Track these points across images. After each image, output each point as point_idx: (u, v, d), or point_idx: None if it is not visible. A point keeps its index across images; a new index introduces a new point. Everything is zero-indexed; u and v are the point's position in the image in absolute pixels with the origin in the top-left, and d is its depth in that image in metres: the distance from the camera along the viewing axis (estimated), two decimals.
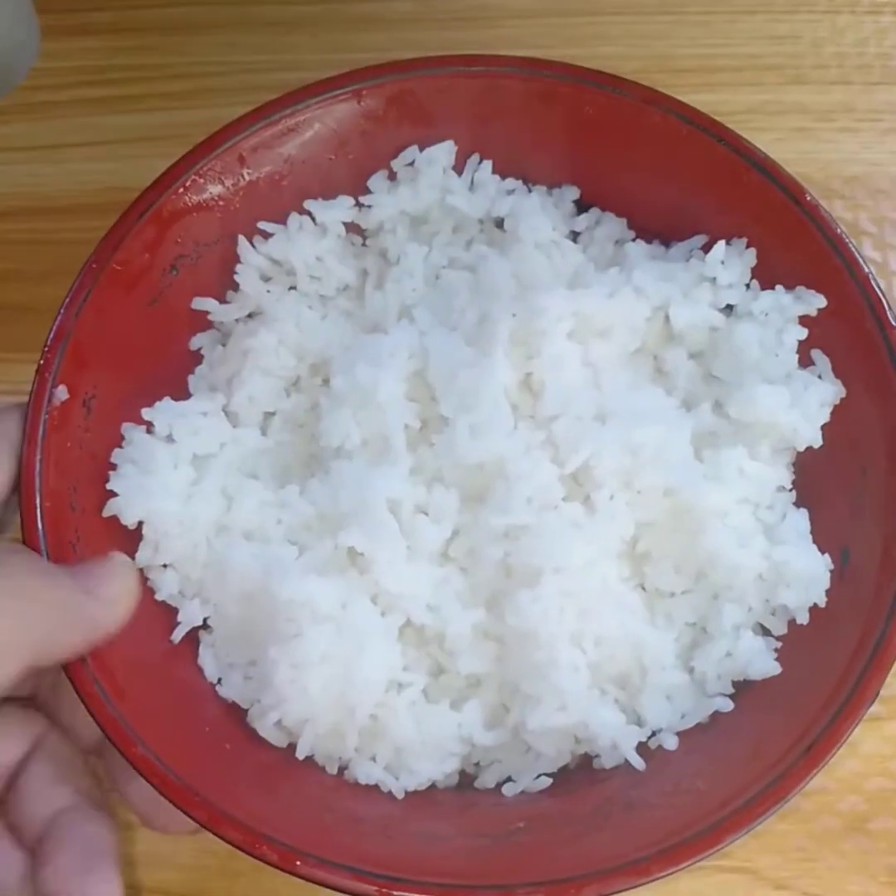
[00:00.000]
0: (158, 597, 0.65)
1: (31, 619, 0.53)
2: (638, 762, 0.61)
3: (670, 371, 0.69)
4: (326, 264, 0.72)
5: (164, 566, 0.65)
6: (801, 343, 0.68)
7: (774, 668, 0.62)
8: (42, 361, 0.63)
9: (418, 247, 0.72)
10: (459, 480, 0.64)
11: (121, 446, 0.66)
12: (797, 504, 0.67)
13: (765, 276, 0.69)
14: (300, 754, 0.62)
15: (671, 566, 0.63)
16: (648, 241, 0.73)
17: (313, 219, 0.72)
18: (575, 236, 0.74)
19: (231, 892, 0.66)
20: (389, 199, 0.72)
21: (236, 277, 0.71)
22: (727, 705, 0.62)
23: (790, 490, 0.67)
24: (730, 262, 0.69)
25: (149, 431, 0.66)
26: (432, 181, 0.71)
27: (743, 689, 0.63)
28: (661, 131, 0.69)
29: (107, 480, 0.64)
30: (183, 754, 0.58)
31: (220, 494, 0.65)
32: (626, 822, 0.59)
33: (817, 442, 0.65)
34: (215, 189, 0.69)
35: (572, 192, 0.74)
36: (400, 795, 0.62)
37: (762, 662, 0.62)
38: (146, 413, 0.66)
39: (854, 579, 0.62)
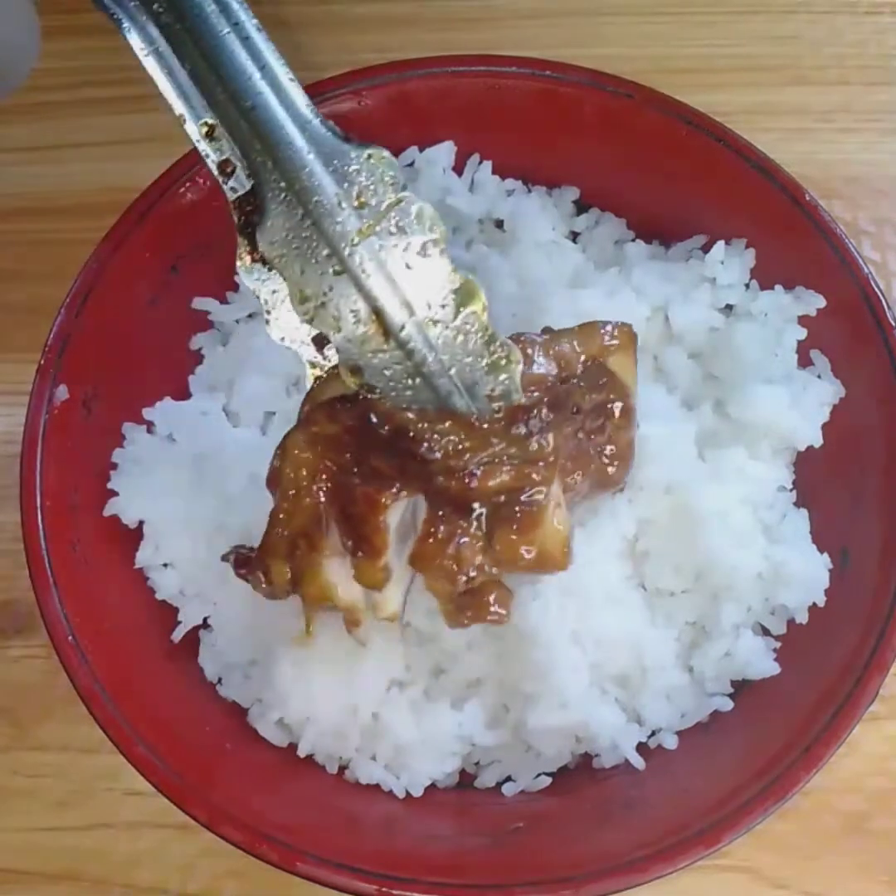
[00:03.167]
0: (158, 596, 0.65)
1: None
2: (638, 761, 0.61)
3: (670, 371, 0.70)
4: None
5: (165, 565, 0.65)
6: (800, 343, 0.68)
7: (773, 668, 0.62)
8: (42, 361, 0.63)
9: None
10: None
11: (121, 446, 0.66)
12: (797, 504, 0.67)
13: (764, 277, 0.69)
14: (301, 753, 0.62)
15: (671, 566, 0.64)
16: (648, 242, 0.73)
17: None
18: (575, 236, 0.74)
19: (232, 892, 0.66)
20: None
21: (237, 278, 0.71)
22: (727, 705, 0.62)
23: (790, 490, 0.67)
24: (729, 263, 0.69)
25: (149, 431, 0.67)
26: (432, 182, 0.72)
27: (742, 689, 0.63)
28: (661, 131, 0.69)
29: (107, 480, 0.65)
30: (183, 754, 0.58)
31: (220, 494, 0.65)
32: (625, 822, 0.59)
33: (817, 441, 0.66)
34: (215, 190, 0.69)
35: (572, 193, 0.74)
36: (400, 795, 0.62)
37: (761, 662, 0.62)
38: (147, 413, 0.67)
39: (853, 579, 0.62)
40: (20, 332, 0.78)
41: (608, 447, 0.59)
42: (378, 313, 0.56)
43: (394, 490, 0.54)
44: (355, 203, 0.56)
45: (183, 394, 0.70)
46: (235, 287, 0.72)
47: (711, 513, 0.62)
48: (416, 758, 0.62)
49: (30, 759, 0.69)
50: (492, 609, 0.56)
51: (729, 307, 0.70)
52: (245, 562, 0.58)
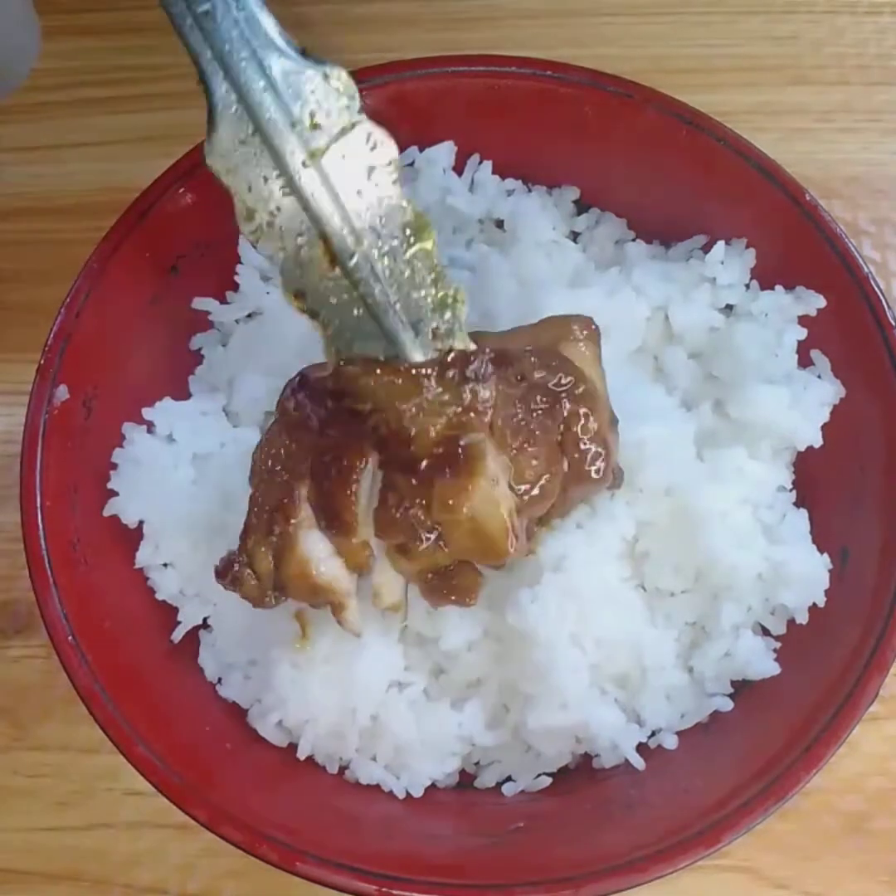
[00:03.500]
0: (158, 597, 0.65)
1: None
2: (638, 762, 0.61)
3: (670, 371, 0.70)
4: None
5: (165, 565, 0.65)
6: (800, 343, 0.68)
7: (773, 669, 0.62)
8: (43, 361, 0.63)
9: None
10: None
11: (121, 446, 0.66)
12: (797, 504, 0.67)
13: (764, 277, 0.69)
14: (301, 754, 0.62)
15: (671, 566, 0.64)
16: (648, 242, 0.73)
17: None
18: (575, 236, 0.74)
19: (232, 892, 0.66)
20: None
21: (237, 278, 0.71)
22: (727, 705, 0.62)
23: (790, 490, 0.67)
24: (729, 263, 0.69)
25: (149, 431, 0.66)
26: (432, 181, 0.72)
27: (742, 689, 0.63)
28: (661, 131, 0.69)
29: (107, 480, 0.64)
30: (183, 754, 0.58)
31: (220, 494, 0.65)
32: (625, 822, 0.59)
33: (817, 442, 0.66)
34: (216, 189, 0.69)
35: (572, 193, 0.74)
36: (400, 795, 0.62)
37: (761, 662, 0.62)
38: (147, 413, 0.67)
39: (853, 579, 0.62)
40: (20, 332, 0.78)
41: (583, 442, 0.57)
42: (325, 238, 0.54)
43: (358, 461, 0.54)
44: (308, 123, 0.53)
45: (183, 394, 0.70)
46: (235, 287, 0.71)
47: (711, 513, 0.62)
48: (416, 758, 0.62)
49: (30, 759, 0.69)
50: (454, 598, 0.57)
51: (729, 307, 0.70)
52: (226, 569, 0.57)
